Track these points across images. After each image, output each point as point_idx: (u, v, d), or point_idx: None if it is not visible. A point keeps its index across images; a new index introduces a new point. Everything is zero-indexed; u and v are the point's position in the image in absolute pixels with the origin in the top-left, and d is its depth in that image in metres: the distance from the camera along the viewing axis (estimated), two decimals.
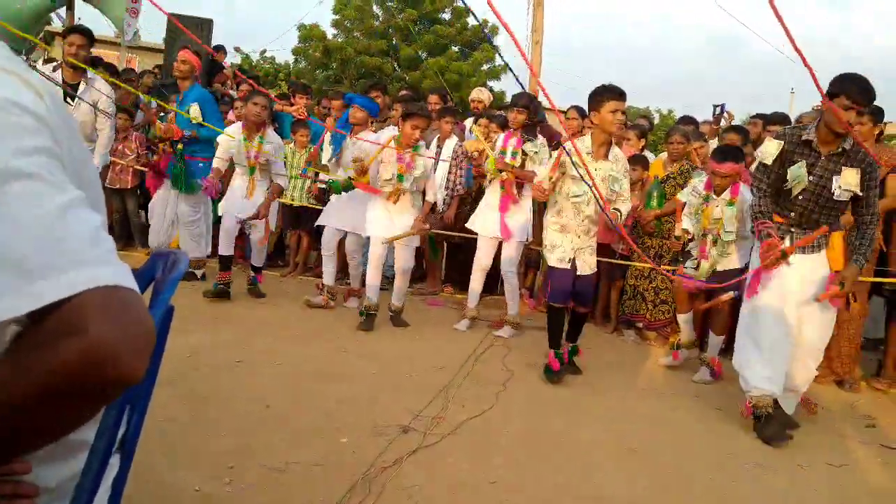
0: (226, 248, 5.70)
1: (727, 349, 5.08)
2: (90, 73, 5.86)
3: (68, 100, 5.63)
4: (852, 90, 3.25)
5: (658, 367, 4.79)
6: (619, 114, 4.01)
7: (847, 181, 3.41)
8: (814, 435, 3.76)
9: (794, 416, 3.79)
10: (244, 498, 2.51)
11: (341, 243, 5.79)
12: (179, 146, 5.64)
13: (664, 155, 5.85)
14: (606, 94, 3.99)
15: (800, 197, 3.55)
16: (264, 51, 23.59)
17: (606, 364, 4.76)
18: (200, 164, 5.82)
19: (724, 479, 3.07)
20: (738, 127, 5.64)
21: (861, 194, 3.47)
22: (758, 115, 6.25)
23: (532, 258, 6.42)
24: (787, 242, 3.59)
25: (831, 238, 3.77)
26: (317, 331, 4.92)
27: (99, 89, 5.82)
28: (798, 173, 3.50)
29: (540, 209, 5.98)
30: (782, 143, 3.56)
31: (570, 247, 4.28)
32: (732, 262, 4.45)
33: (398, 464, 2.83)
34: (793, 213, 3.61)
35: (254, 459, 2.78)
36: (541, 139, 5.12)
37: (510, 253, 5.18)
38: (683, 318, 4.72)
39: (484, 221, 5.26)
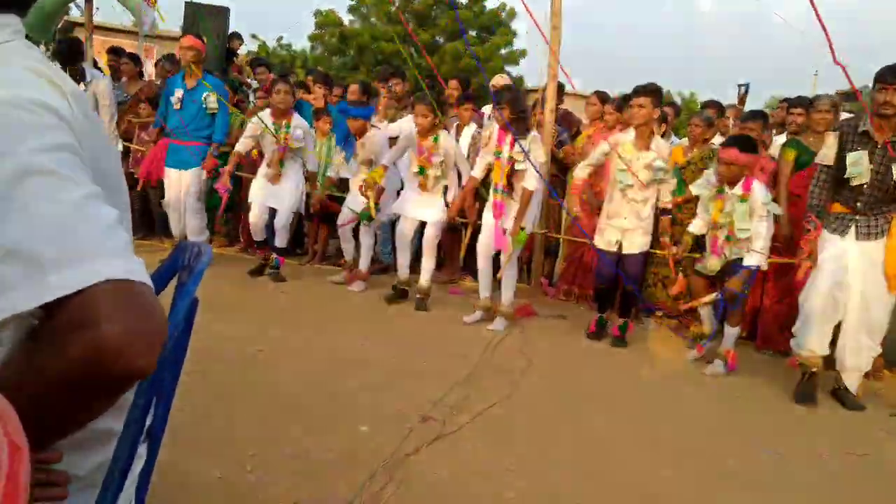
0: (259, 235, 6.02)
1: (748, 338, 5.08)
2: (88, 70, 6.13)
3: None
4: (883, 72, 3.60)
5: (677, 356, 4.76)
6: (636, 107, 4.51)
7: None
8: (836, 423, 3.74)
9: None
10: (266, 485, 2.54)
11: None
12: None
13: (685, 141, 5.79)
14: (631, 93, 4.61)
15: (864, 186, 3.76)
16: (281, 38, 23.63)
17: (626, 353, 4.75)
18: (208, 150, 5.99)
19: (745, 467, 3.06)
20: (756, 112, 5.53)
21: None
22: (785, 100, 6.16)
23: (551, 247, 6.39)
24: (851, 232, 3.88)
25: (892, 225, 3.82)
26: (335, 318, 4.95)
27: (97, 85, 6.06)
28: (858, 162, 3.72)
29: (547, 200, 5.98)
30: (838, 137, 3.88)
31: (618, 229, 4.69)
32: (747, 259, 4.33)
33: (418, 452, 2.84)
34: (858, 203, 3.83)
35: (275, 448, 2.80)
36: (533, 133, 4.95)
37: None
38: (704, 311, 4.68)
39: (486, 222, 5.13)
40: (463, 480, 2.70)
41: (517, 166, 4.81)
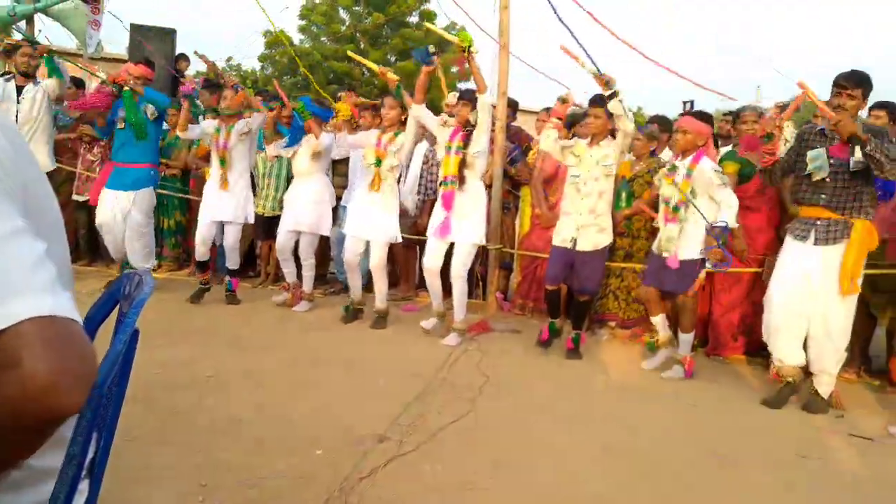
0: (202, 255, 5.93)
1: (702, 346, 5.18)
2: (39, 80, 6.33)
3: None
4: (837, 78, 3.88)
5: (632, 366, 4.83)
6: (592, 118, 4.77)
7: (858, 154, 3.75)
8: (787, 427, 3.83)
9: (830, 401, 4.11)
10: None
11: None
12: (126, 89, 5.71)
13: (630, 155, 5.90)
14: (588, 104, 4.90)
15: (826, 180, 3.94)
16: (230, 58, 23.40)
17: (581, 364, 4.80)
18: (151, 172, 5.99)
19: (700, 476, 3.10)
20: (699, 112, 5.64)
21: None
22: (728, 113, 6.34)
23: (505, 261, 6.44)
24: (811, 236, 4.03)
25: (852, 229, 3.93)
26: (288, 341, 4.90)
27: (44, 90, 6.29)
28: (817, 158, 3.95)
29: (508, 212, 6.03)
30: (798, 138, 4.17)
31: (574, 226, 4.79)
32: (692, 248, 4.45)
33: (374, 474, 2.82)
34: (823, 197, 3.98)
35: (227, 476, 2.75)
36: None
37: (460, 256, 5.05)
38: (657, 320, 4.76)
39: (433, 221, 5.21)
40: (420, 500, 2.68)
41: (469, 157, 4.93)
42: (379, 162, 5.27)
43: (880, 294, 4.63)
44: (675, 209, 4.46)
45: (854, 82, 3.83)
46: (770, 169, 4.25)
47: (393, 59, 21.27)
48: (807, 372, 4.18)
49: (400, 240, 5.48)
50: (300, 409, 3.55)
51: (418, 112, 5.09)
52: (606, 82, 4.47)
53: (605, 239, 4.86)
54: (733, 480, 3.08)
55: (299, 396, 3.75)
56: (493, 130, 6.13)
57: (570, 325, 5.12)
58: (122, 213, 5.83)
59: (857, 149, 3.75)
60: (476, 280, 6.38)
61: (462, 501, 2.70)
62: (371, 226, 5.32)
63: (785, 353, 4.12)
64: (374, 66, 5.31)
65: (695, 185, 4.38)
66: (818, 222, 4.02)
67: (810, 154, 4.00)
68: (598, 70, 4.51)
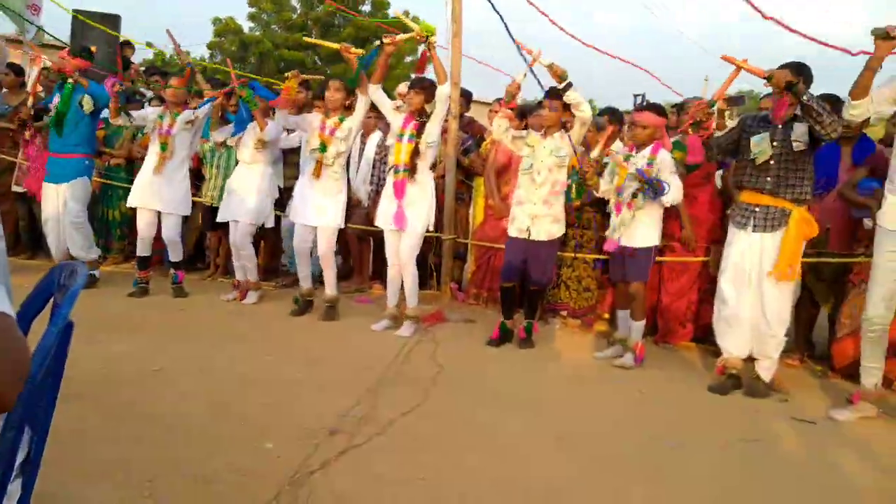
0: (144, 249, 5.76)
1: (650, 333, 5.27)
2: None
3: None
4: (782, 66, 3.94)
5: (584, 355, 4.89)
6: (548, 110, 4.79)
7: (798, 133, 3.94)
8: (728, 411, 3.92)
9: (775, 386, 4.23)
10: None
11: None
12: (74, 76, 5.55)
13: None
14: (544, 96, 4.89)
15: (770, 163, 4.03)
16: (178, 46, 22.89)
17: (534, 353, 4.83)
18: (86, 162, 5.80)
19: (649, 460, 3.16)
20: (655, 106, 5.73)
21: (816, 134, 3.86)
22: (675, 105, 6.43)
23: (459, 251, 6.45)
24: (750, 223, 4.11)
25: (790, 218, 4.02)
26: (238, 334, 4.82)
27: None
28: (760, 143, 4.04)
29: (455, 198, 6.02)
30: (740, 123, 4.24)
31: (528, 215, 4.81)
32: (644, 236, 4.56)
33: (325, 467, 2.79)
34: (769, 179, 4.05)
35: (175, 471, 2.68)
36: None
37: (408, 243, 5.01)
38: (623, 315, 4.81)
39: (383, 212, 5.14)
40: (372, 492, 2.66)
41: (421, 147, 4.91)
42: (324, 147, 5.17)
43: (822, 281, 4.78)
44: (633, 196, 4.52)
45: (793, 70, 3.88)
46: (704, 142, 4.32)
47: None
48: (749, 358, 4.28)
49: (342, 225, 5.42)
50: (250, 403, 3.49)
51: (374, 95, 5.03)
52: (560, 74, 4.51)
53: (560, 229, 4.92)
54: (681, 465, 3.14)
55: (249, 390, 3.69)
56: (445, 120, 6.12)
57: (522, 315, 5.14)
58: (62, 204, 5.65)
59: (797, 125, 3.91)
60: (430, 271, 6.38)
61: (415, 492, 2.69)
62: (316, 213, 5.23)
63: (732, 346, 4.23)
64: (334, 45, 5.21)
65: (655, 174, 4.48)
66: (757, 209, 4.11)
67: (754, 139, 4.09)
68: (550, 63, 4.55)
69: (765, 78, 3.84)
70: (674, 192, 4.42)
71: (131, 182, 6.79)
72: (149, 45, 6.42)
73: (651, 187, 4.37)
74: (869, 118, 3.95)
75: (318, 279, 5.73)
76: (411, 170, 4.94)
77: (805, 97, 3.73)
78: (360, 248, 6.56)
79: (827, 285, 4.80)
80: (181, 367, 3.95)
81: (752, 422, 3.77)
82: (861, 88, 3.59)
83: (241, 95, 5.50)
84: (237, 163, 6.00)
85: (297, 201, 5.42)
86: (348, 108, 5.24)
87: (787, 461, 3.29)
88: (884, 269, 3.70)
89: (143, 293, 5.68)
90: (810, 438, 3.58)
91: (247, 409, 3.42)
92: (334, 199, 5.26)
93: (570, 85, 4.53)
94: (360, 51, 5.08)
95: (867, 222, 4.44)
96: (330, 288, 5.38)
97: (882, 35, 3.48)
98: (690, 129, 4.17)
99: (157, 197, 5.66)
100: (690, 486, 2.93)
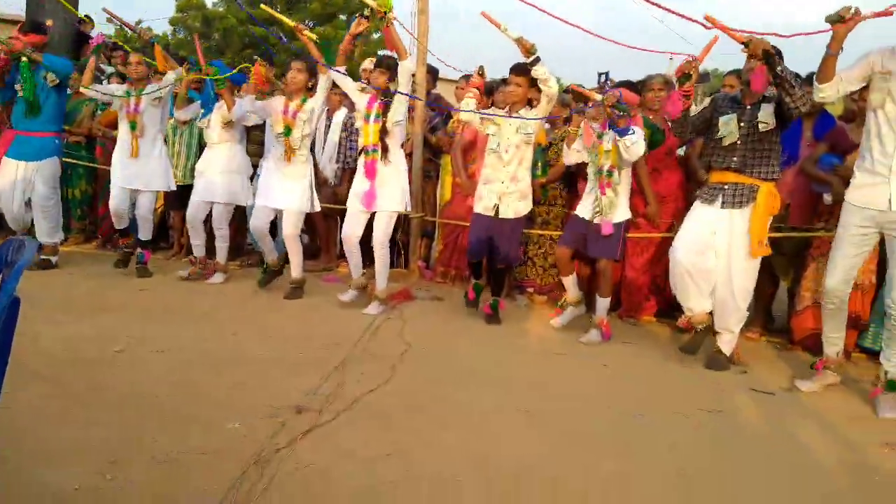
0: (122, 221, 5.80)
1: (614, 308, 5.33)
2: None
3: None
4: None
5: (551, 331, 4.92)
6: (514, 86, 4.73)
7: (765, 114, 4.04)
8: (691, 383, 3.99)
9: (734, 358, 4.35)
10: (130, 493, 2.40)
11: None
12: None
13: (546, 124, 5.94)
14: (509, 72, 4.80)
15: (738, 143, 4.11)
16: (139, 21, 22.34)
17: (501, 330, 4.86)
18: (56, 141, 5.71)
19: (616, 433, 3.20)
20: (629, 83, 5.73)
21: (786, 107, 3.90)
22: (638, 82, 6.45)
23: (427, 230, 6.43)
24: (718, 200, 4.18)
25: (758, 193, 4.09)
26: (203, 314, 4.77)
27: None
28: (728, 123, 4.12)
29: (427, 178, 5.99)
30: (712, 103, 4.32)
31: (496, 193, 4.81)
32: (620, 212, 4.61)
33: (292, 444, 2.78)
34: (735, 158, 4.13)
35: (139, 452, 2.65)
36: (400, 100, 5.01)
37: (381, 225, 5.02)
38: (568, 280, 4.89)
39: (355, 193, 5.12)
40: (340, 469, 2.66)
41: (388, 126, 4.88)
42: (288, 131, 5.11)
43: (783, 256, 4.86)
44: (609, 174, 4.55)
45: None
46: (680, 120, 4.32)
47: (312, 24, 20.72)
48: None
49: (318, 209, 5.38)
50: (215, 383, 3.46)
51: (337, 77, 4.96)
52: (528, 49, 4.48)
53: (526, 206, 4.92)
54: (648, 438, 3.18)
55: (214, 370, 3.65)
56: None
57: (489, 293, 5.16)
58: (24, 183, 5.52)
59: (764, 105, 3.99)
60: (398, 249, 6.36)
61: (383, 469, 2.68)
62: (283, 195, 5.19)
63: (693, 303, 4.30)
64: (290, 23, 5.11)
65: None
66: (726, 187, 4.17)
67: (722, 119, 4.15)
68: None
69: (743, 44, 3.82)
70: (638, 141, 4.35)
71: (92, 161, 6.66)
72: (109, 19, 6.22)
73: (623, 112, 4.31)
74: None
75: (286, 259, 5.68)
76: (382, 150, 4.90)
77: (779, 68, 3.77)
78: (327, 226, 6.51)
79: (787, 259, 4.88)
80: (144, 348, 3.90)
81: (714, 394, 3.83)
82: (826, 73, 3.63)
83: (208, 74, 5.39)
84: (201, 140, 5.90)
85: (262, 183, 5.35)
86: (311, 90, 5.16)
87: (746, 431, 3.35)
88: (847, 242, 3.73)
89: (128, 259, 5.87)
90: (768, 409, 3.65)
91: (212, 388, 3.39)
92: (301, 182, 5.21)
93: (538, 59, 4.50)
94: (313, 35, 5.00)
95: (827, 197, 4.52)
96: (296, 270, 5.35)
97: (836, 20, 3.52)
98: (677, 82, 4.15)
99: (135, 175, 5.62)
100: (656, 458, 2.97)
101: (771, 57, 3.77)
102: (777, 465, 2.96)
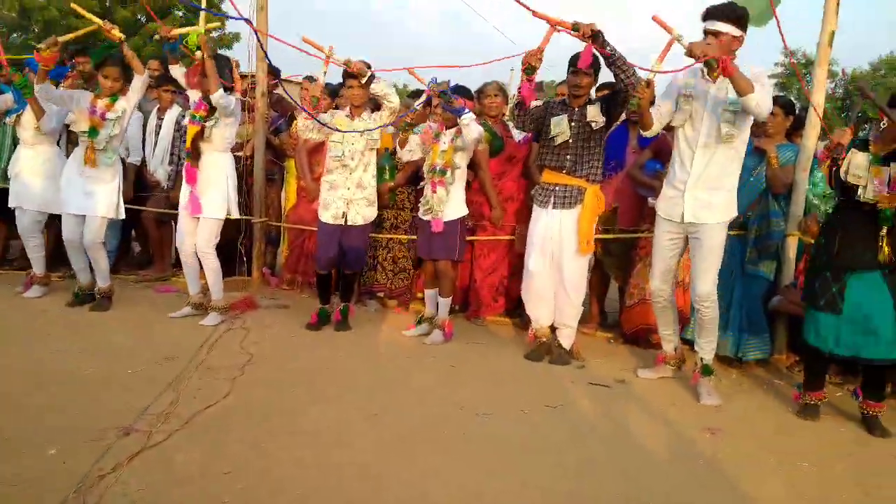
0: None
1: (463, 310, 5.43)
2: None
3: None
4: (570, 59, 4.25)
5: (398, 335, 4.92)
6: (357, 88, 4.65)
7: (592, 113, 4.30)
8: (536, 380, 4.13)
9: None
10: None
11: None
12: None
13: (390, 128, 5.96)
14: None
15: (569, 142, 4.33)
16: None
17: (350, 336, 4.80)
18: None
19: (460, 433, 3.24)
20: (462, 89, 5.86)
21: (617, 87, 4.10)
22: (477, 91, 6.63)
23: (272, 235, 6.23)
24: (551, 201, 4.39)
25: (585, 195, 4.32)
26: (21, 330, 4.35)
27: None
28: (559, 123, 4.35)
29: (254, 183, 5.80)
30: (545, 107, 4.51)
31: (343, 200, 4.74)
32: (453, 209, 4.71)
33: (117, 469, 2.57)
34: (569, 157, 4.35)
35: None
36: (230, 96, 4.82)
37: (202, 232, 4.79)
38: (430, 294, 4.94)
39: (181, 196, 4.89)
40: (172, 492, 2.49)
41: (206, 129, 4.68)
42: (94, 132, 4.76)
43: (613, 256, 5.17)
44: (443, 172, 4.64)
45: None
46: (524, 110, 4.45)
47: (144, 18, 19.55)
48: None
49: (122, 216, 5.06)
50: (33, 406, 3.15)
51: (176, 73, 4.79)
52: (358, 71, 4.50)
53: (373, 212, 4.92)
54: (486, 433, 3.25)
55: (32, 391, 3.32)
56: (253, 99, 5.86)
57: (338, 298, 5.09)
58: None
59: (590, 106, 4.29)
60: (240, 255, 6.11)
61: (219, 489, 2.55)
62: (85, 200, 4.84)
63: (540, 316, 4.55)
64: (99, 21, 4.73)
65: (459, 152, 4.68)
66: (556, 188, 4.40)
67: (554, 119, 4.39)
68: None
69: (572, 29, 3.93)
70: (472, 123, 4.47)
71: None
72: None
73: (447, 101, 4.48)
74: None
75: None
76: (193, 154, 4.70)
77: (609, 48, 3.93)
78: (160, 233, 6.12)
79: (617, 259, 5.20)
80: None
81: (553, 388, 3.99)
82: (646, 123, 3.99)
83: (14, 80, 4.84)
84: (14, 139, 5.36)
85: (63, 188, 4.93)
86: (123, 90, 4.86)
87: (583, 421, 3.52)
88: (660, 247, 4.12)
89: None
90: (603, 400, 3.86)
91: (28, 412, 3.08)
92: (106, 186, 4.88)
93: (372, 77, 4.51)
94: (121, 35, 4.70)
95: (651, 201, 4.85)
96: (102, 279, 4.99)
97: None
98: (524, 74, 4.26)
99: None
100: (499, 453, 3.04)
101: (598, 35, 3.93)
102: (614, 456, 3.12)
